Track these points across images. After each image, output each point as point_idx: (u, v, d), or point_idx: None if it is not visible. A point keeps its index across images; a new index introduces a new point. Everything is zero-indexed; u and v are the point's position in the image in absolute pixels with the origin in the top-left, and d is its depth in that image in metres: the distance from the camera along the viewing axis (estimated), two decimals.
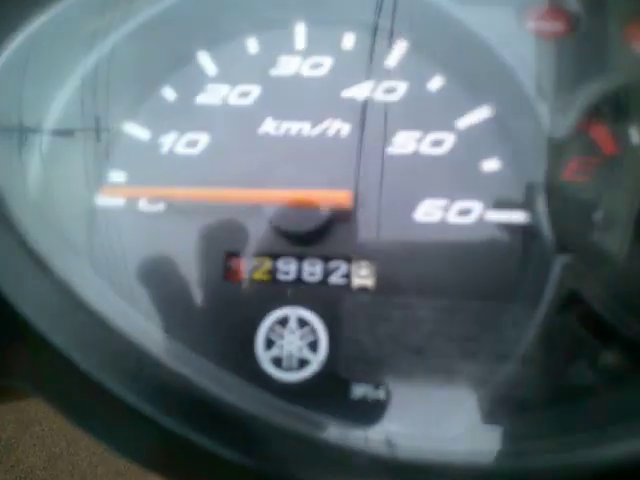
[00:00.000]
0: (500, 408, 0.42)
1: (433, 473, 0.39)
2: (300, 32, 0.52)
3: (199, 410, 0.41)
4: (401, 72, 0.51)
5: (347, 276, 0.48)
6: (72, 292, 0.43)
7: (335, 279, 0.48)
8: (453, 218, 0.48)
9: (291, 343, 0.46)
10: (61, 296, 0.42)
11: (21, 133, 0.50)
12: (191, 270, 0.48)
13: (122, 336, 0.42)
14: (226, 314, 0.47)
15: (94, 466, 1.60)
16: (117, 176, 0.51)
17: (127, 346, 0.41)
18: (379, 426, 0.44)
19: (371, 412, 0.44)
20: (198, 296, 0.48)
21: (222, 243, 0.49)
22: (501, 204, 0.47)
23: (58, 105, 0.51)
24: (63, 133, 0.51)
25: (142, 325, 0.44)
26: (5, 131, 0.50)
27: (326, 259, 0.48)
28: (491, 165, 0.48)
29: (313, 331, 0.46)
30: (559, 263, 0.44)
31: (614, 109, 0.47)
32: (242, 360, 0.45)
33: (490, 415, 0.42)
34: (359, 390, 0.44)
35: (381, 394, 0.44)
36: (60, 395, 0.41)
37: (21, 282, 0.42)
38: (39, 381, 0.41)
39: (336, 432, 0.43)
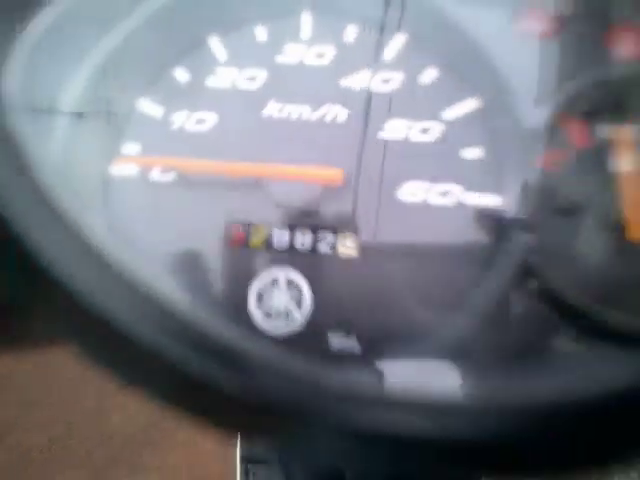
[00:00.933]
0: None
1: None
2: (306, 22, 0.56)
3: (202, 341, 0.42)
4: (398, 64, 0.54)
5: (334, 246, 0.52)
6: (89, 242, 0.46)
7: (323, 248, 0.53)
8: (434, 199, 0.52)
9: (280, 299, 0.51)
10: (79, 246, 0.45)
11: (49, 114, 0.53)
12: (197, 236, 0.53)
13: (136, 280, 0.43)
14: (226, 274, 0.52)
15: (90, 452, 1.64)
16: (132, 147, 0.55)
17: (143, 291, 0.44)
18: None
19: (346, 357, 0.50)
20: (203, 257, 0.53)
21: (225, 212, 0.53)
22: (478, 188, 0.52)
23: (76, 86, 0.54)
24: (81, 113, 0.54)
25: (151, 272, 0.47)
26: (35, 112, 0.51)
27: (315, 229, 0.53)
28: (472, 153, 0.52)
29: (299, 290, 0.51)
30: (522, 240, 0.49)
31: (587, 105, 0.51)
32: (237, 308, 0.51)
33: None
34: (336, 340, 0.50)
35: (353, 343, 0.50)
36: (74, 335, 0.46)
37: (44, 234, 0.46)
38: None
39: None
